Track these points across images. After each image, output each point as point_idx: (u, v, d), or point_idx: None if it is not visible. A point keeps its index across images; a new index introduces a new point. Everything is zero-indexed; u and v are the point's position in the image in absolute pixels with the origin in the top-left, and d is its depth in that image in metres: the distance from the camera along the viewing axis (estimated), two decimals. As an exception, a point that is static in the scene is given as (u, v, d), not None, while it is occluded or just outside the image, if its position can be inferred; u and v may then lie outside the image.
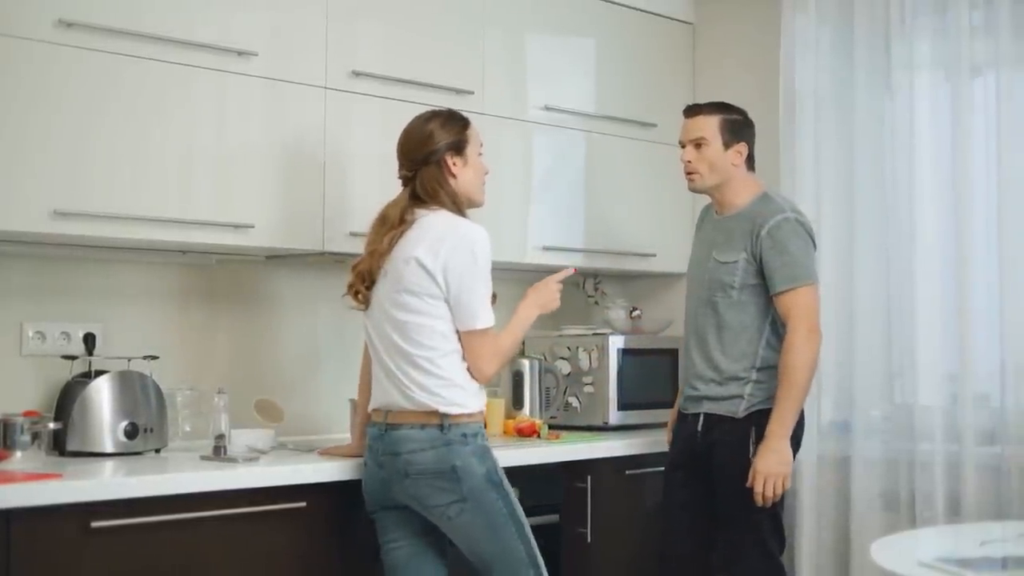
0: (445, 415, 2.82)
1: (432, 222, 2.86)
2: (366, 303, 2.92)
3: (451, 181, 2.92)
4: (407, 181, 2.94)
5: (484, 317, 2.85)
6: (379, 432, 2.88)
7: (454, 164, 2.93)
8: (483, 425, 2.92)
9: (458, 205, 2.92)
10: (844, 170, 3.82)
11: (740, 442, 3.22)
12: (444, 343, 2.85)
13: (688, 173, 3.36)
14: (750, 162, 3.38)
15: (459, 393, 2.86)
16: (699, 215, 3.54)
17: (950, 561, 2.29)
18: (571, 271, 3.18)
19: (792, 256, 3.20)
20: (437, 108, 3.04)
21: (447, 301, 2.83)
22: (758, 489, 3.14)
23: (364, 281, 2.90)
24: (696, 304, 3.39)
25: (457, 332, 2.86)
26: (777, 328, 3.26)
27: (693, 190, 3.42)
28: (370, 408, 2.96)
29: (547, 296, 3.05)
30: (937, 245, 3.65)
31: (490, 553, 2.87)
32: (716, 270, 3.32)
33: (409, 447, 2.82)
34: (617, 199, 3.97)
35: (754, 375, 3.25)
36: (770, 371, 3.24)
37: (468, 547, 2.88)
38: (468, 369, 2.87)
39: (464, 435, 2.84)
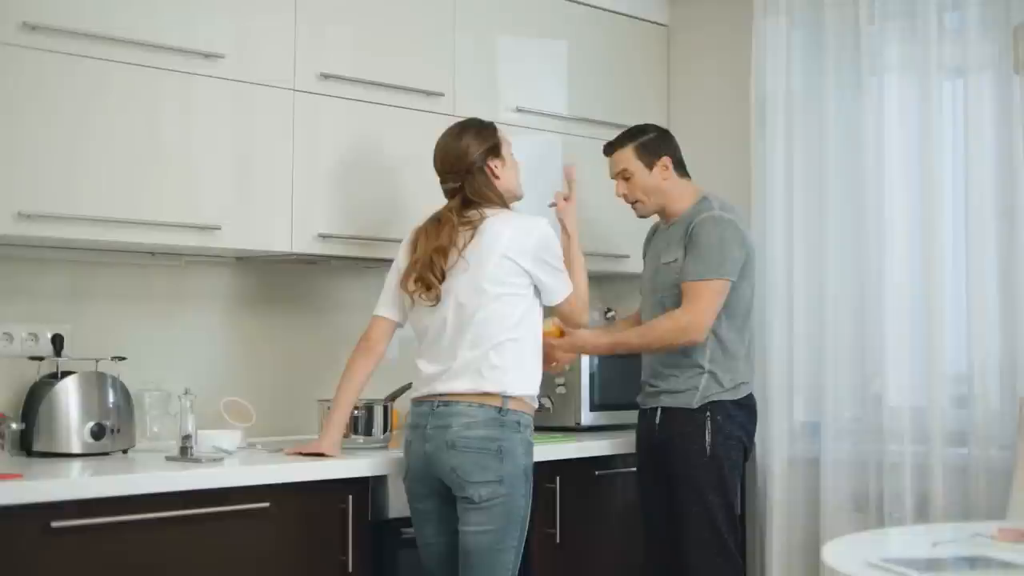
0: (507, 398, 2.96)
1: (503, 220, 3.05)
2: (438, 298, 2.99)
3: (496, 183, 3.09)
4: (454, 192, 3.08)
5: (567, 286, 3.14)
6: (428, 410, 2.99)
7: (495, 167, 3.10)
8: (532, 419, 3.07)
9: (506, 202, 3.11)
10: (815, 171, 3.83)
11: (696, 432, 3.33)
12: (522, 329, 3.02)
13: (631, 204, 3.52)
14: (681, 168, 3.50)
15: (521, 377, 3.01)
16: (647, 234, 3.67)
17: (900, 561, 2.30)
18: (572, 167, 3.46)
19: (703, 250, 3.32)
20: (462, 120, 3.19)
21: (533, 286, 3.04)
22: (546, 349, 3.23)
23: (436, 274, 2.99)
24: (650, 309, 3.51)
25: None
26: (722, 320, 3.36)
27: (642, 216, 3.57)
28: (421, 393, 3.03)
29: (574, 214, 3.38)
30: (906, 247, 3.66)
31: (487, 546, 2.93)
32: (663, 272, 3.45)
33: (463, 421, 2.94)
34: (592, 201, 3.96)
35: (707, 366, 3.36)
36: (721, 362, 3.36)
37: (473, 535, 2.93)
38: (568, 327, 3.26)
39: (518, 423, 3.00)
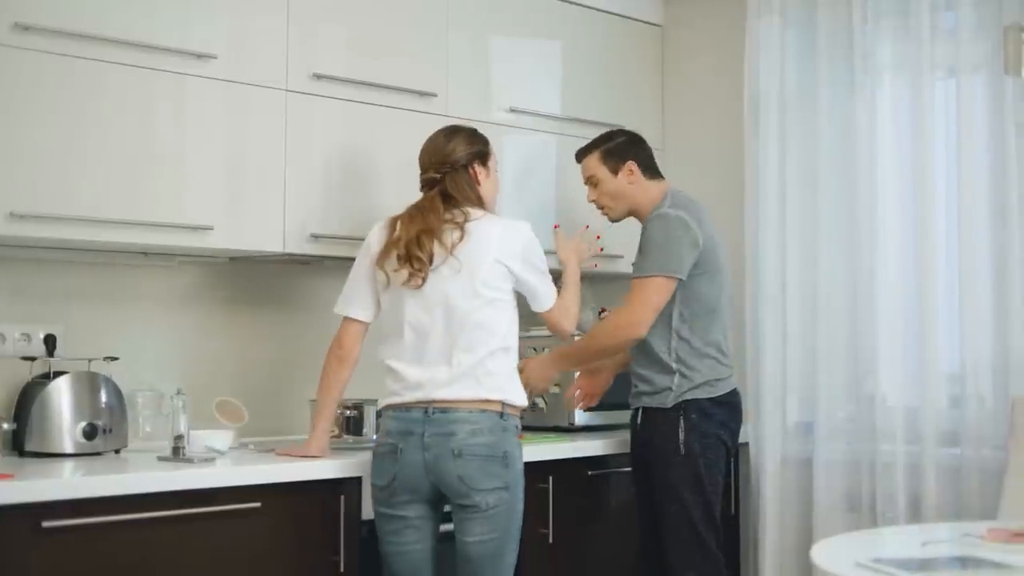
0: (506, 403, 2.94)
1: (490, 221, 3.02)
2: (424, 281, 2.94)
3: (476, 187, 3.07)
4: (432, 183, 3.04)
5: (554, 294, 3.14)
6: (421, 416, 2.91)
7: (479, 172, 3.09)
8: None
9: (485, 206, 3.07)
10: (808, 171, 3.84)
11: (671, 430, 3.36)
12: (511, 338, 3.01)
13: (600, 210, 3.57)
14: (650, 171, 3.53)
15: (516, 385, 3.01)
16: None
17: (889, 562, 2.30)
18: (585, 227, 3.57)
19: (645, 248, 3.39)
20: (456, 124, 3.18)
21: (516, 292, 3.03)
22: None
23: (424, 254, 2.94)
24: None
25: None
26: (685, 318, 3.38)
27: (613, 221, 3.61)
28: (408, 398, 2.94)
29: (578, 249, 3.41)
30: (899, 247, 3.67)
31: (492, 553, 2.92)
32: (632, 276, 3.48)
33: (468, 428, 2.89)
34: (586, 201, 3.98)
35: (674, 366, 3.38)
36: (690, 361, 3.38)
37: (477, 544, 2.90)
38: (555, 332, 3.24)
39: (516, 426, 3.00)
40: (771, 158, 3.90)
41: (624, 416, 3.69)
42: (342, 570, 3.03)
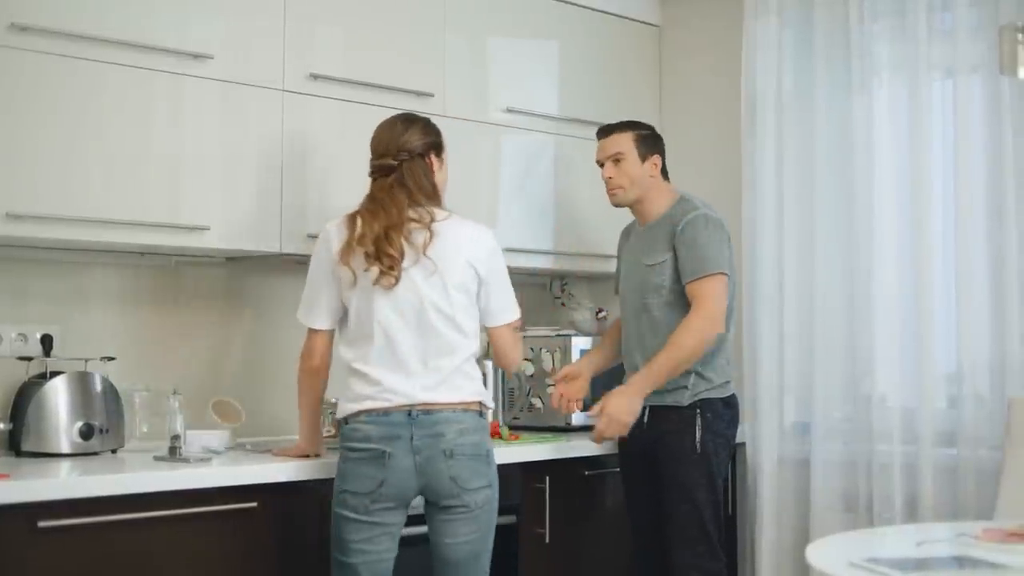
0: (483, 404, 2.96)
1: (457, 222, 2.96)
2: (397, 280, 2.85)
3: (432, 176, 3.00)
4: (388, 170, 2.94)
5: (516, 310, 3.06)
6: (404, 419, 2.84)
7: (434, 164, 3.02)
8: None
9: (440, 200, 3.01)
10: (805, 171, 3.84)
11: (686, 429, 3.36)
12: (476, 343, 2.98)
13: (611, 189, 3.51)
14: (664, 173, 3.54)
15: (486, 389, 3.04)
16: (621, 234, 3.69)
17: (883, 561, 2.30)
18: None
19: (700, 248, 3.34)
20: (408, 112, 3.12)
21: (478, 301, 2.97)
22: (600, 427, 3.34)
23: (396, 250, 2.84)
24: (632, 312, 3.52)
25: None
26: None
27: (616, 205, 3.56)
28: (386, 403, 2.85)
29: None
30: (896, 247, 3.67)
31: (473, 554, 2.91)
32: (647, 274, 3.46)
33: (456, 428, 2.87)
34: (584, 201, 3.99)
35: (694, 366, 3.35)
36: (706, 361, 3.37)
37: (460, 545, 2.89)
38: (499, 359, 3.11)
39: (490, 424, 3.03)
40: (768, 158, 3.90)
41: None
42: (339, 570, 3.04)
